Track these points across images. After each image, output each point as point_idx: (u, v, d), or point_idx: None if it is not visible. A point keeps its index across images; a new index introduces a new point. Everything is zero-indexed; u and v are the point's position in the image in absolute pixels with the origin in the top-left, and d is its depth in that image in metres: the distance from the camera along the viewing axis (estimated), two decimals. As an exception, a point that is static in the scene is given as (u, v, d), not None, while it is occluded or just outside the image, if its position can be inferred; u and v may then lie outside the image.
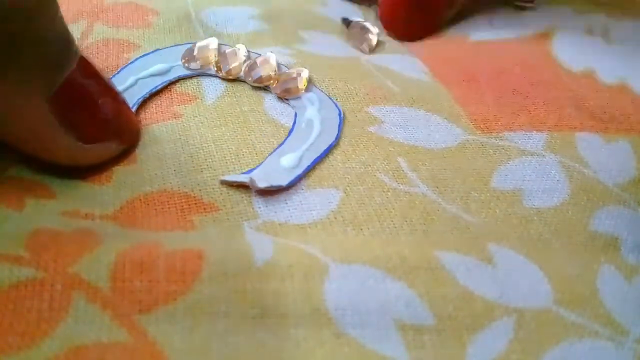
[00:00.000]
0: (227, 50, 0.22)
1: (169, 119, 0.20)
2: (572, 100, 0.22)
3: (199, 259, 0.15)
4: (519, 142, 0.20)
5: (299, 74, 0.21)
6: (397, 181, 0.19)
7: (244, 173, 0.18)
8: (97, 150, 0.18)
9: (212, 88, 0.21)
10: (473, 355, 0.15)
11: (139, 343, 0.14)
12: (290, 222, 0.17)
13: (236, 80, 0.22)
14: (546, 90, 0.23)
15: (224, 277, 0.15)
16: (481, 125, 0.21)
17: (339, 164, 0.19)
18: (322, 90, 0.21)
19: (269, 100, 0.21)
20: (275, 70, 0.21)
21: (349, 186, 0.18)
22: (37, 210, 0.16)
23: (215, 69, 0.22)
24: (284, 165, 0.18)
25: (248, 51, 0.22)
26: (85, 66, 0.18)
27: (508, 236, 0.17)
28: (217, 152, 0.19)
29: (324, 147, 0.19)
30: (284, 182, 0.18)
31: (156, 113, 0.20)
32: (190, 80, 0.21)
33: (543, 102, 0.22)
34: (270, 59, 0.22)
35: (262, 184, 0.18)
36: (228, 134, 0.20)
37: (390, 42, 0.26)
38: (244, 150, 0.19)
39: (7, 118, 0.16)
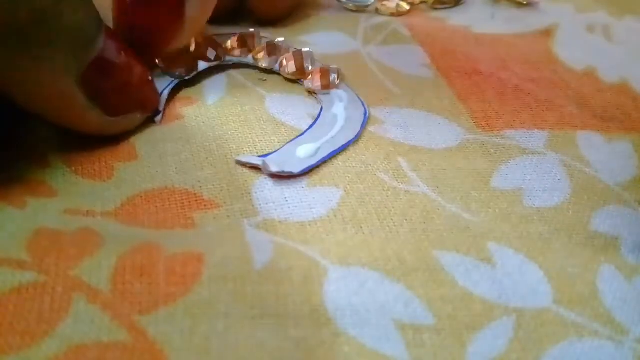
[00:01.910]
0: (266, 42, 0.22)
1: (171, 120, 0.20)
2: (573, 99, 0.22)
3: (199, 262, 0.15)
4: (521, 141, 0.20)
5: (333, 70, 0.22)
6: (397, 180, 0.19)
7: (259, 156, 0.19)
8: (123, 121, 0.19)
9: (213, 91, 0.21)
10: (473, 354, 0.15)
11: (138, 343, 0.14)
12: (290, 220, 0.17)
13: (239, 81, 0.22)
14: (548, 88, 0.23)
15: (224, 280, 0.15)
16: (482, 124, 0.21)
17: (340, 162, 0.19)
18: (350, 88, 0.22)
19: (270, 100, 0.21)
20: (309, 65, 0.22)
21: (349, 185, 0.18)
22: (38, 210, 0.16)
23: (254, 59, 0.22)
24: (299, 155, 0.19)
25: (288, 45, 0.23)
26: (111, 40, 0.18)
27: (508, 235, 0.17)
28: (218, 151, 0.19)
29: (343, 141, 0.19)
30: (296, 169, 0.18)
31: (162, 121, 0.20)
32: (193, 87, 0.21)
33: (545, 100, 0.22)
34: (305, 52, 0.22)
35: (274, 168, 0.18)
36: (229, 132, 0.20)
37: (393, 24, 0.26)
38: (245, 149, 0.19)
39: (35, 93, 0.17)
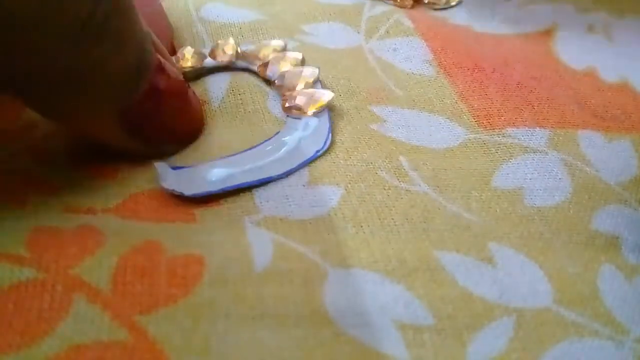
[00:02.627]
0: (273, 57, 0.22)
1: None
2: (574, 98, 0.22)
3: (200, 264, 0.15)
4: (522, 139, 0.20)
5: (320, 96, 0.20)
6: (398, 179, 0.18)
7: (173, 168, 0.18)
8: (159, 148, 0.18)
9: (217, 92, 0.21)
10: (473, 353, 0.15)
11: (138, 342, 0.14)
12: (291, 218, 0.17)
13: (243, 79, 0.21)
14: (549, 87, 0.23)
15: (225, 282, 0.15)
16: (484, 122, 0.21)
17: (341, 160, 0.19)
18: (330, 120, 0.20)
19: (272, 98, 0.21)
20: (306, 84, 0.21)
21: (350, 183, 0.18)
22: (38, 207, 0.16)
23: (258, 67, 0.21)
24: (210, 177, 0.18)
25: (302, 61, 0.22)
26: (159, 76, 0.17)
27: (508, 235, 0.17)
28: (219, 153, 0.19)
29: (262, 176, 0.18)
30: (188, 191, 0.17)
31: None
32: (198, 87, 0.21)
33: (546, 99, 0.22)
34: (310, 74, 0.21)
35: (166, 185, 0.17)
36: (232, 135, 0.20)
37: (396, 14, 0.26)
38: (246, 146, 0.19)
39: (75, 127, 0.17)
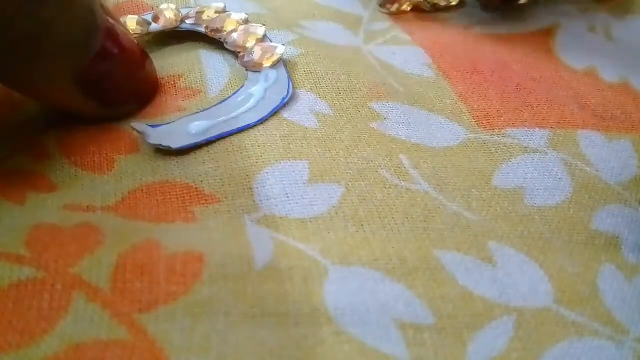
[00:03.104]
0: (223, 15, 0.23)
1: (173, 112, 0.20)
2: (574, 98, 0.22)
3: (200, 262, 0.15)
4: (522, 139, 0.20)
5: (273, 50, 0.21)
6: (399, 178, 0.18)
7: (152, 126, 0.19)
8: (119, 110, 0.19)
9: (215, 82, 0.21)
10: (474, 353, 0.15)
11: (138, 341, 0.14)
12: (291, 216, 0.17)
13: (240, 70, 0.21)
14: (549, 87, 0.23)
15: (225, 280, 0.15)
16: (484, 122, 0.21)
17: (341, 159, 0.19)
18: (287, 71, 0.21)
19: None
20: (257, 40, 0.22)
21: (350, 182, 0.18)
22: (38, 205, 0.16)
23: (205, 29, 0.22)
24: (190, 130, 0.19)
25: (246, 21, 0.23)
26: (110, 38, 0.18)
27: (509, 235, 0.17)
28: (219, 144, 0.19)
29: (241, 124, 0.19)
30: (175, 144, 0.18)
31: (161, 108, 0.20)
32: (194, 74, 0.21)
33: (546, 99, 0.22)
34: (259, 30, 0.22)
35: (152, 141, 0.18)
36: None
37: (393, 31, 0.26)
38: (247, 144, 0.19)
39: (32, 92, 0.17)
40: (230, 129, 0.19)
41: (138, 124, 0.18)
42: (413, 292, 0.15)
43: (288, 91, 0.20)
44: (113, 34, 0.18)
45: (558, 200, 0.19)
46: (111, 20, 0.18)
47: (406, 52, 0.24)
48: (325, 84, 0.21)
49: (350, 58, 0.23)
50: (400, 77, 0.22)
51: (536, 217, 0.18)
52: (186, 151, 0.19)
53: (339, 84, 0.21)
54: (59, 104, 0.18)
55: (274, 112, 0.20)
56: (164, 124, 0.19)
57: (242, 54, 0.21)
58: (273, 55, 0.21)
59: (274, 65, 0.21)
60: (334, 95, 0.21)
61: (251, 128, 0.19)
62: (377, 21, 0.26)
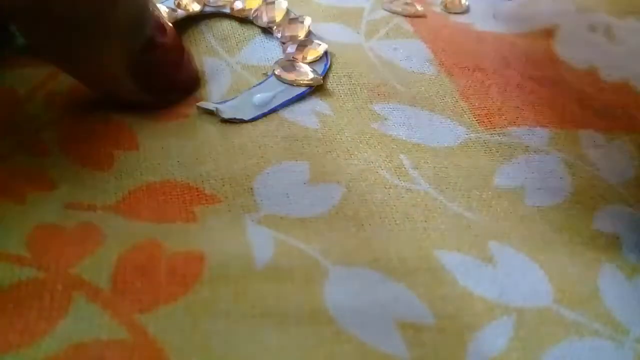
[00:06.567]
0: None
1: (176, 118, 0.20)
2: (575, 98, 0.22)
3: (200, 262, 0.15)
4: (523, 138, 0.20)
5: (301, 21, 0.23)
6: (399, 178, 0.18)
7: (218, 103, 0.20)
8: (164, 97, 0.20)
9: (218, 90, 0.21)
10: (473, 353, 0.15)
11: (138, 341, 0.14)
12: (291, 216, 0.17)
13: (243, 78, 0.21)
14: (549, 86, 0.23)
15: (225, 280, 0.15)
16: (485, 121, 0.21)
17: (342, 159, 0.19)
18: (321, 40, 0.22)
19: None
20: (283, 16, 0.23)
21: (351, 182, 0.18)
22: (38, 204, 0.16)
23: (230, 9, 0.23)
24: (255, 102, 0.20)
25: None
26: (158, 29, 0.19)
27: (509, 234, 0.17)
28: (220, 146, 0.19)
29: (292, 95, 0.20)
30: (247, 116, 0.20)
31: (165, 115, 0.20)
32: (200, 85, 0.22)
33: (547, 98, 0.22)
34: (282, 4, 0.23)
35: (226, 115, 0.20)
36: (232, 129, 0.20)
37: (395, 19, 0.26)
38: (248, 144, 0.19)
39: (87, 76, 0.18)
40: (290, 97, 0.20)
41: (205, 103, 0.20)
42: (413, 292, 0.15)
43: (327, 58, 0.22)
44: (161, 26, 0.19)
45: (559, 200, 0.19)
46: (157, 13, 0.19)
47: (408, 46, 0.24)
48: (327, 85, 0.21)
49: (351, 58, 0.23)
50: (402, 76, 0.22)
51: (537, 217, 0.18)
52: (187, 151, 0.19)
53: (340, 87, 0.21)
54: (109, 86, 0.19)
55: (323, 74, 0.21)
56: (228, 100, 0.20)
57: (275, 29, 0.23)
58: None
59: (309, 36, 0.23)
60: (335, 96, 0.21)
61: (252, 127, 0.19)
62: (378, 9, 0.26)
